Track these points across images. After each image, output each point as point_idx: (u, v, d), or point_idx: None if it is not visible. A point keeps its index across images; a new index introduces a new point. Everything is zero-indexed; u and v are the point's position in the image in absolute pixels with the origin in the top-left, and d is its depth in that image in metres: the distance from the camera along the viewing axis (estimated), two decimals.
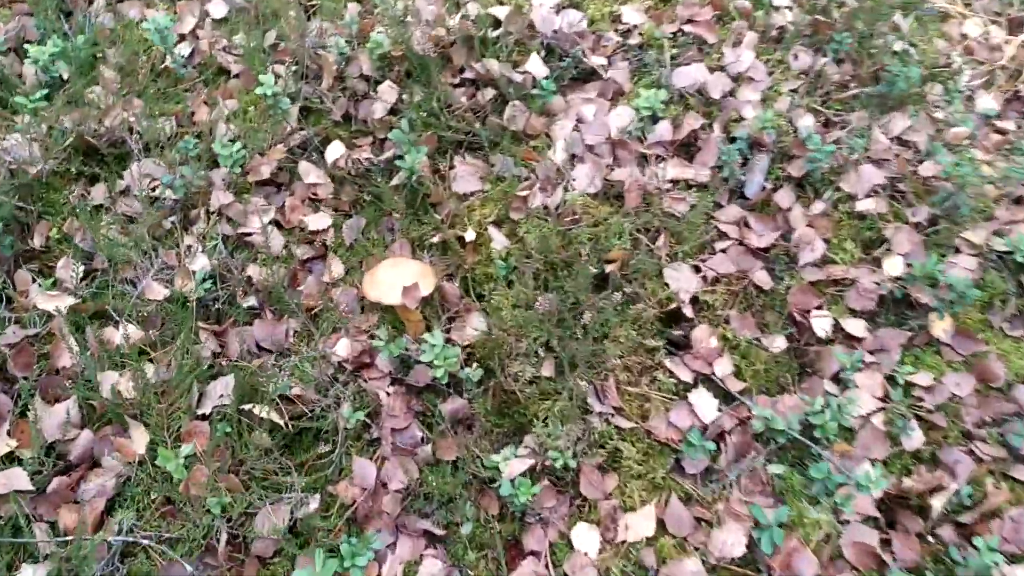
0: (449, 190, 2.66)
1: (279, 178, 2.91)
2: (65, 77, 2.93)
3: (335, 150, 2.87)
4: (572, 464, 2.18)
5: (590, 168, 2.54)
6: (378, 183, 2.70)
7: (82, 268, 2.52)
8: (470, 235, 2.55)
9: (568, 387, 2.26)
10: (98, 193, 2.68)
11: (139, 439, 2.16)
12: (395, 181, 2.72)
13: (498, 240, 2.50)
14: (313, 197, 2.86)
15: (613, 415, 2.30)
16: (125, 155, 2.76)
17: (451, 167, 2.69)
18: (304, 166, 2.86)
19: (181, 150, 2.73)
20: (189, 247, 2.56)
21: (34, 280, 2.53)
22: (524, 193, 2.50)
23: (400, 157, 2.69)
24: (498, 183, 2.65)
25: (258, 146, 2.82)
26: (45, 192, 2.69)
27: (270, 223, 2.76)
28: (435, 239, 2.60)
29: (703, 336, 2.39)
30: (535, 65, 2.85)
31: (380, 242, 2.72)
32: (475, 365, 2.32)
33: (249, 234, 2.71)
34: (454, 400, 2.34)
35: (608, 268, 2.35)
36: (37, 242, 2.63)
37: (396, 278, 2.33)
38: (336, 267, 2.68)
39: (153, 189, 2.69)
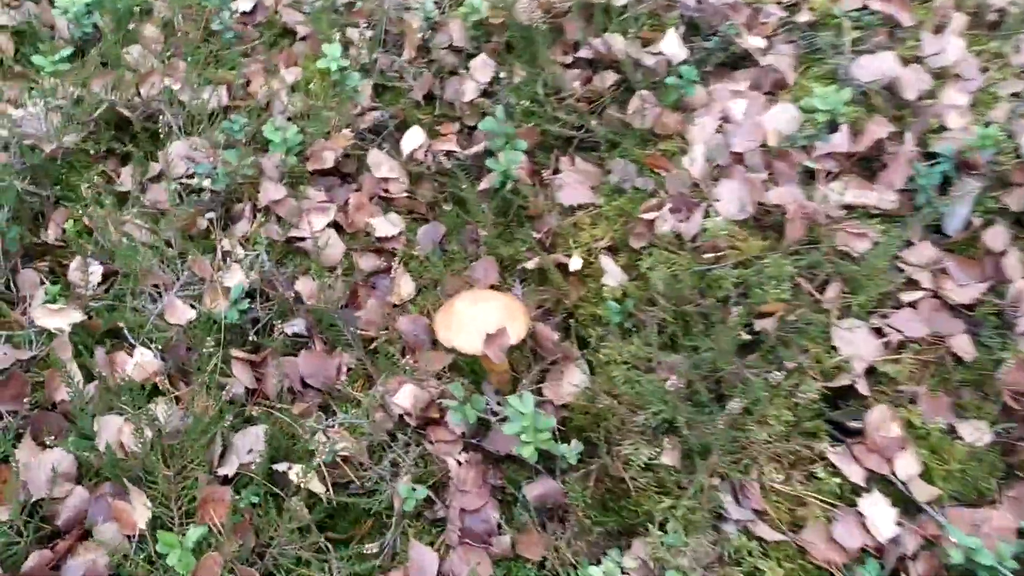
0: (551, 201, 2.14)
1: (345, 167, 2.43)
2: (100, 32, 2.47)
3: (413, 138, 2.37)
4: None
5: (738, 185, 1.97)
6: (463, 184, 2.18)
7: (100, 270, 2.07)
8: (575, 263, 2.03)
9: (697, 481, 1.72)
10: (124, 177, 2.22)
11: (140, 508, 1.71)
12: (484, 184, 2.21)
13: (612, 273, 1.97)
14: (384, 195, 2.38)
15: (755, 522, 1.76)
16: (161, 133, 2.28)
17: (555, 171, 2.16)
18: (375, 156, 2.38)
19: (226, 130, 2.25)
20: (226, 255, 2.07)
21: (42, 282, 2.09)
22: (650, 216, 1.96)
23: (492, 154, 2.17)
24: (615, 197, 2.11)
25: (320, 129, 2.33)
26: (64, 174, 2.26)
27: (329, 225, 2.27)
28: (530, 264, 2.07)
29: (881, 421, 1.83)
30: (671, 44, 2.28)
31: (460, 256, 2.22)
32: (573, 440, 1.79)
33: (301, 239, 2.23)
34: (544, 481, 1.83)
35: (759, 324, 1.79)
36: (51, 234, 2.20)
37: (477, 319, 1.83)
38: (405, 285, 2.20)
39: (190, 176, 2.22)
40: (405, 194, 2.40)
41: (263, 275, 2.09)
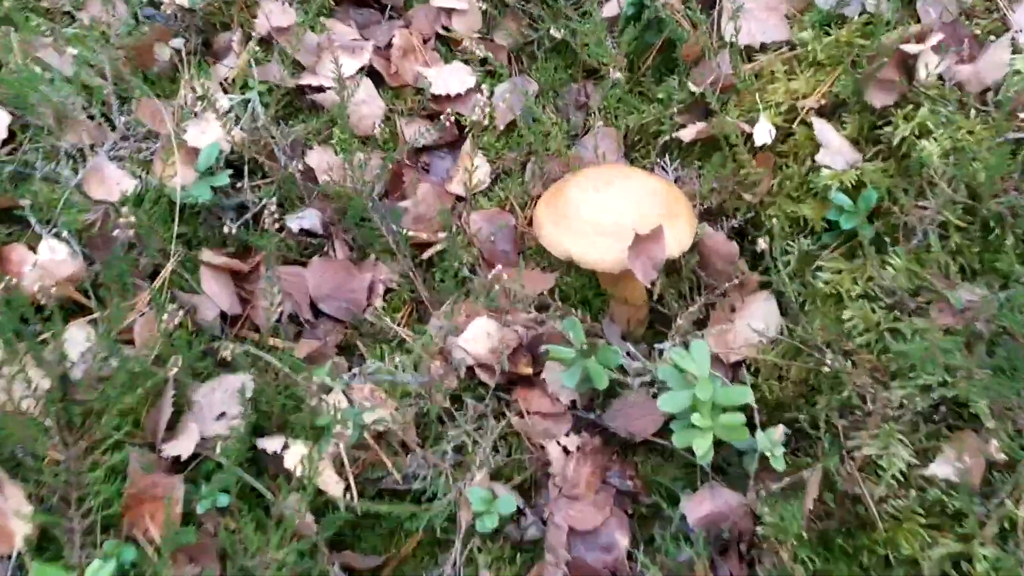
0: (719, 36, 1.36)
1: None
2: None
3: None
4: None
5: None
6: (568, 12, 1.41)
7: (6, 120, 1.33)
8: (763, 131, 1.26)
9: (1002, 512, 0.98)
10: None
11: (18, 513, 1.00)
12: (607, 9, 1.44)
13: (832, 147, 1.22)
14: (445, 33, 1.60)
15: None
16: None
17: None
18: None
19: None
20: (201, 101, 1.32)
21: None
22: (908, 48, 1.17)
23: None
24: (826, 29, 1.35)
25: None
26: None
27: (362, 73, 1.51)
28: (685, 132, 1.31)
29: None
30: None
31: (562, 128, 1.46)
32: (777, 428, 1.05)
33: (319, 89, 1.47)
34: (716, 492, 1.09)
35: None
36: None
37: (608, 212, 1.09)
38: (479, 167, 1.44)
39: None
40: (476, 33, 1.63)
41: (254, 136, 1.33)
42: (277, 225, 1.21)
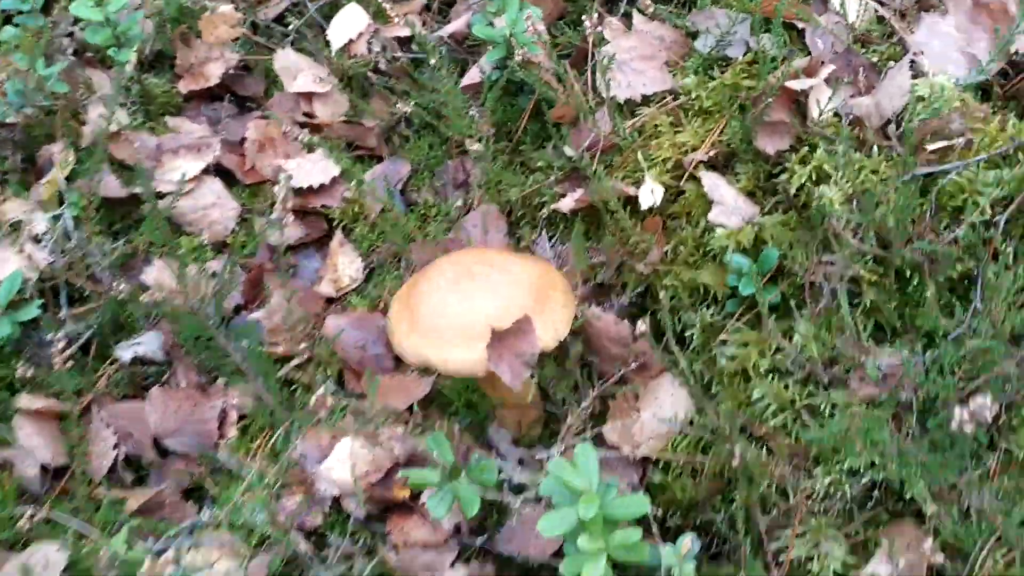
0: (594, 93, 1.30)
1: (241, 87, 1.60)
2: None
3: (349, 21, 1.54)
4: None
5: (964, 21, 1.15)
6: (436, 84, 1.36)
7: None
8: (649, 193, 1.18)
9: None
10: None
11: None
12: (470, 77, 1.38)
13: (726, 204, 1.14)
14: (306, 120, 1.53)
15: None
16: None
17: (597, 41, 1.31)
18: (285, 57, 1.55)
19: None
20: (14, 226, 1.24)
21: None
22: (796, 86, 1.12)
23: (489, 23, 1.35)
24: (709, 75, 1.28)
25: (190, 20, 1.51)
26: None
27: (212, 173, 1.45)
28: (565, 202, 1.24)
29: None
30: None
31: (441, 210, 1.39)
32: (687, 543, 0.96)
33: (158, 196, 1.39)
34: None
35: None
36: None
37: (469, 307, 0.99)
38: (348, 265, 1.36)
39: None
40: (341, 117, 1.56)
41: (71, 258, 1.24)
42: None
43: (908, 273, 1.03)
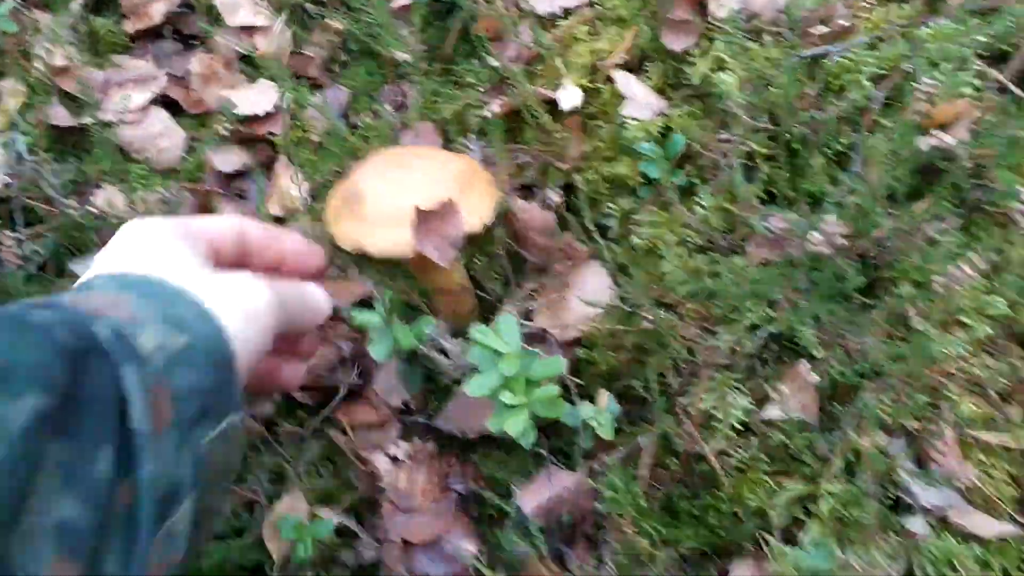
0: (517, 7, 1.38)
1: (185, 24, 1.66)
2: None
3: None
4: None
5: None
6: (371, 9, 1.44)
7: None
8: (570, 96, 1.26)
9: (844, 443, 0.98)
10: None
11: None
12: (397, 2, 1.47)
13: (637, 100, 1.22)
14: (249, 52, 1.60)
15: (957, 508, 1.01)
16: None
17: None
18: None
19: None
20: None
21: None
22: None
23: None
24: None
25: None
26: None
27: (159, 103, 1.51)
28: (493, 108, 1.32)
29: None
30: None
31: (381, 130, 1.46)
32: (602, 395, 1.05)
33: (105, 125, 1.45)
34: (551, 477, 1.07)
35: (925, 144, 1.04)
36: None
37: (400, 193, 1.08)
38: (293, 185, 1.43)
39: None
40: (283, 49, 1.64)
41: (21, 176, 1.32)
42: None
43: (798, 146, 1.12)
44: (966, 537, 1.03)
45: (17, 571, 0.48)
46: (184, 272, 0.69)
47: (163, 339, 0.60)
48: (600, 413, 1.06)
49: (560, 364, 1.04)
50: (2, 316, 0.56)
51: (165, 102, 1.60)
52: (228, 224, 0.81)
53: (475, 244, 1.26)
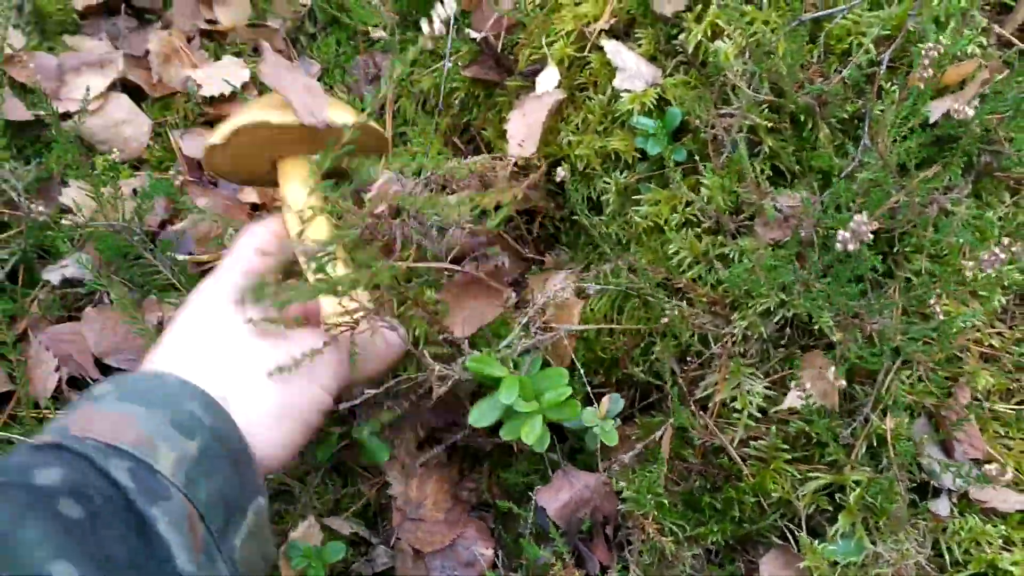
0: None
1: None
2: None
3: None
4: None
5: None
6: None
7: None
8: (547, 78, 1.20)
9: (866, 428, 0.95)
10: None
11: None
12: None
13: (629, 68, 1.18)
14: (210, 27, 1.51)
15: (980, 486, 0.99)
16: None
17: None
18: None
19: None
20: None
21: None
22: None
23: None
24: None
25: None
26: None
27: (118, 88, 1.42)
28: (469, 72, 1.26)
29: None
30: None
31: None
32: (605, 402, 1.01)
33: (64, 116, 1.37)
34: (573, 478, 1.05)
35: (936, 109, 0.99)
36: None
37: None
38: None
39: None
40: (244, 21, 1.54)
41: None
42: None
43: (802, 117, 1.06)
44: (987, 513, 1.01)
45: None
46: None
47: (178, 452, 0.59)
48: (605, 420, 1.02)
49: (563, 376, 0.99)
50: (6, 484, 0.54)
51: (125, 86, 1.50)
52: (265, 246, 0.87)
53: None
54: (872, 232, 0.85)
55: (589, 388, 1.09)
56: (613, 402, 1.04)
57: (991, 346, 1.04)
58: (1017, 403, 1.04)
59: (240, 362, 0.73)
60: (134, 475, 0.56)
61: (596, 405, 1.04)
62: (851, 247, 0.81)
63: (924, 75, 0.96)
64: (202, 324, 0.76)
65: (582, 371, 1.09)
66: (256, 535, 0.64)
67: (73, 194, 1.34)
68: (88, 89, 1.34)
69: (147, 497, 0.56)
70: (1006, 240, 0.83)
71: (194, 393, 0.65)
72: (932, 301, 0.91)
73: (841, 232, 0.80)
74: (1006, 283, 1.02)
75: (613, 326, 1.13)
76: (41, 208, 1.27)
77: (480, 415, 0.97)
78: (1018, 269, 1.03)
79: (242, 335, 0.75)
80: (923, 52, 0.92)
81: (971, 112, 0.92)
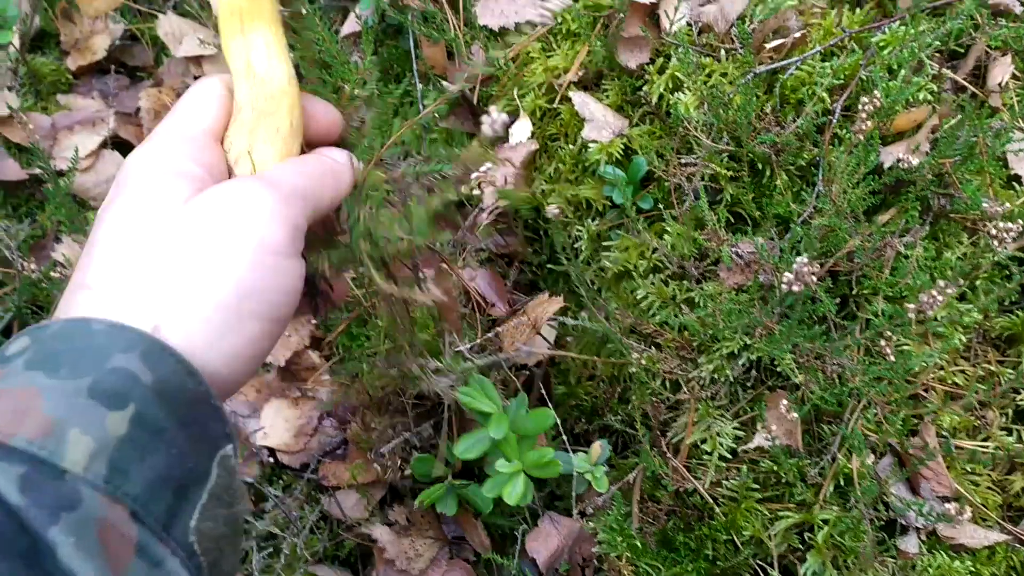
0: (469, 27, 1.34)
1: (131, 58, 1.60)
2: None
3: None
4: None
5: None
6: (316, 32, 1.36)
7: None
8: (521, 129, 1.23)
9: (834, 467, 0.97)
10: None
11: None
12: (348, 26, 1.42)
13: (596, 119, 1.21)
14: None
15: (935, 529, 1.01)
16: None
17: None
18: (168, 23, 1.56)
19: None
20: None
21: None
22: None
23: None
24: None
25: None
26: None
27: (109, 146, 1.46)
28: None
29: None
30: None
31: None
32: (596, 449, 1.04)
33: (58, 174, 1.40)
34: (553, 525, 1.06)
35: (888, 155, 1.01)
36: None
37: None
38: None
39: None
40: None
41: None
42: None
43: (760, 165, 1.09)
44: (956, 549, 1.03)
45: None
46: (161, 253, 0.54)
47: (97, 435, 0.46)
48: (596, 467, 1.04)
49: (550, 416, 1.02)
50: None
51: (116, 143, 1.54)
52: (217, 102, 0.64)
53: None
54: (826, 274, 0.87)
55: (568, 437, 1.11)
56: (604, 449, 1.06)
57: (955, 384, 1.06)
58: (983, 439, 1.06)
59: (181, 260, 0.54)
60: (27, 485, 0.43)
61: (573, 452, 1.06)
62: (795, 288, 0.83)
63: (863, 127, 0.98)
64: (132, 224, 0.56)
65: (560, 423, 1.11)
66: (221, 496, 0.51)
67: (65, 249, 1.38)
68: (77, 149, 1.37)
69: (44, 514, 0.43)
70: (942, 282, 0.85)
71: (130, 341, 0.50)
72: (883, 343, 0.93)
73: (786, 274, 0.82)
74: (965, 321, 1.05)
75: (587, 357, 1.15)
76: (33, 266, 1.30)
77: (466, 448, 0.99)
78: (977, 309, 1.05)
79: (182, 221, 0.55)
80: (860, 106, 0.94)
81: (915, 161, 0.95)
